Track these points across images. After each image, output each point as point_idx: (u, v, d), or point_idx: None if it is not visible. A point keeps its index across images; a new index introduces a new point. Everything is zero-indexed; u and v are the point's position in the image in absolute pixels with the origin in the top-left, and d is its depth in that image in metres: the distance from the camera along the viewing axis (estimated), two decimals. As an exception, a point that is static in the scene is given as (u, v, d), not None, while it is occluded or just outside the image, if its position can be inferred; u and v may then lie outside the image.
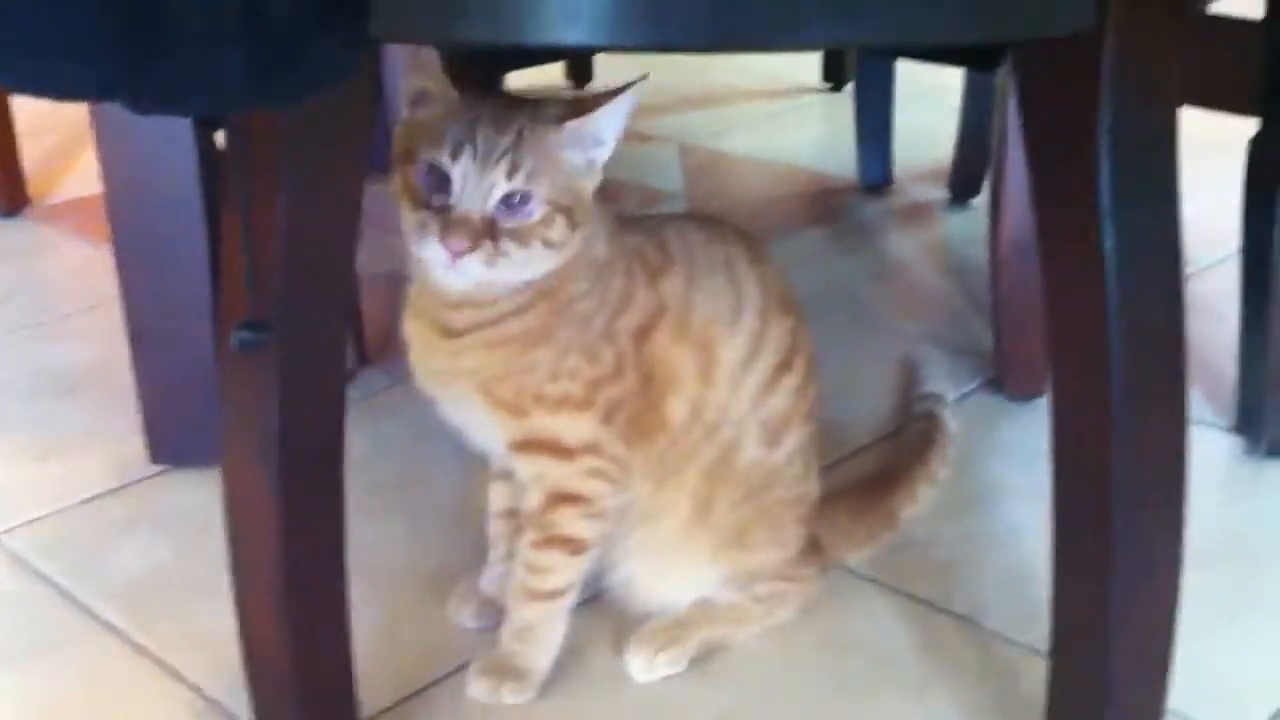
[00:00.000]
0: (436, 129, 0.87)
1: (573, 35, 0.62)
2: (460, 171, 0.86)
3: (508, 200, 0.86)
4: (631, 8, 0.61)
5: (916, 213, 1.98)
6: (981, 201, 1.97)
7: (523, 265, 0.88)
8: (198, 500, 1.24)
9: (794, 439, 1.03)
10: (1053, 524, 0.81)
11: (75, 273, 1.80)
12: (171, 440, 1.30)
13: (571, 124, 0.88)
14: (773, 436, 1.01)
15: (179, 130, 1.19)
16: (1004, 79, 1.37)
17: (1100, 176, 0.72)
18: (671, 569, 1.04)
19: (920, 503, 1.19)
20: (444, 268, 0.87)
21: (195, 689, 1.01)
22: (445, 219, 0.85)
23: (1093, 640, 0.81)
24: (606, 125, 0.89)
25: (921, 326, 1.58)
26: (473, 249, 0.85)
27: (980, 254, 1.77)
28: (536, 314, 0.91)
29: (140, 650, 1.05)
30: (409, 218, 0.88)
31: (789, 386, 1.01)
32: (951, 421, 1.28)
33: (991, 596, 1.10)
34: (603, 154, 0.90)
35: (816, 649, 1.05)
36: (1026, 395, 1.41)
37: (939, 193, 2.02)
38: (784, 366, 1.01)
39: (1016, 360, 1.41)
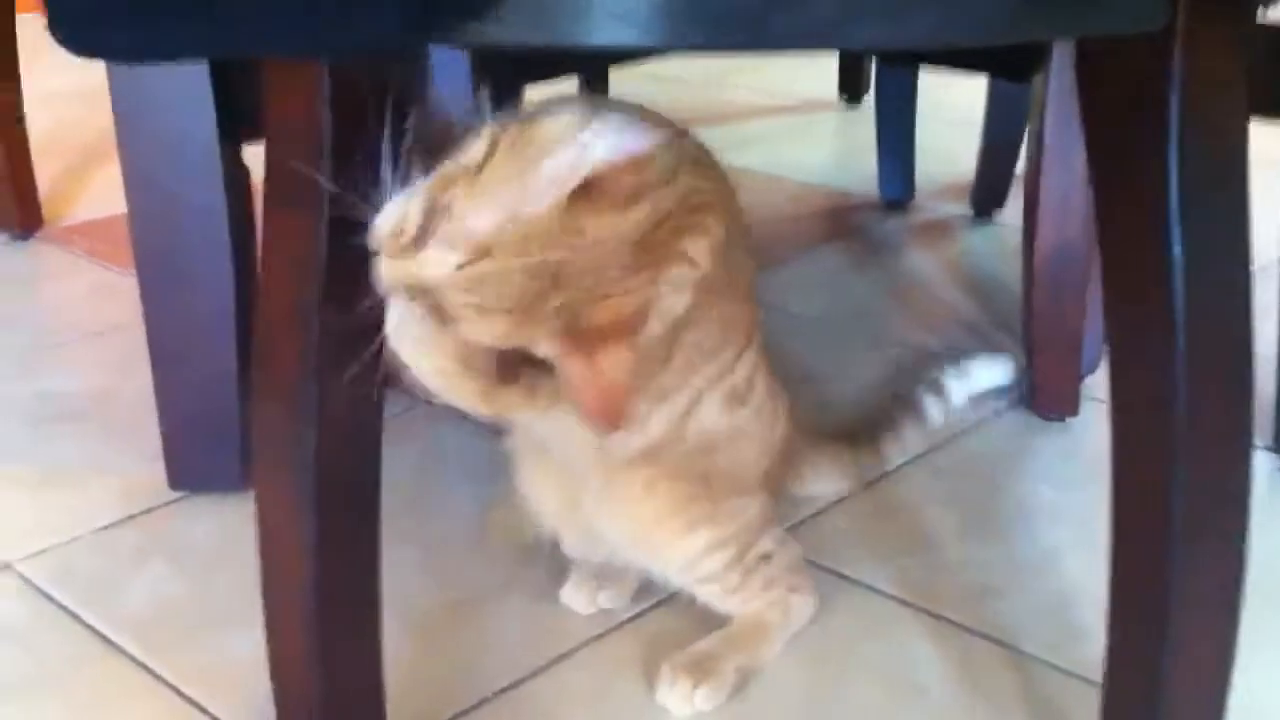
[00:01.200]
0: None
1: (625, 36, 0.60)
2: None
3: None
4: (683, 8, 0.59)
5: (938, 228, 1.96)
6: (1005, 217, 1.95)
7: None
8: (215, 528, 1.22)
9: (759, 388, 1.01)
10: (1110, 548, 0.78)
11: (85, 297, 1.78)
12: (191, 465, 1.28)
13: None
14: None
15: (204, 149, 1.17)
16: (1040, 88, 1.35)
17: (1169, 180, 0.69)
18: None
19: (904, 447, 1.24)
20: None
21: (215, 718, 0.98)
22: None
23: (1147, 673, 0.78)
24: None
25: (946, 344, 1.56)
26: None
27: (1005, 270, 1.75)
28: None
29: (159, 680, 1.03)
30: None
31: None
32: (934, 410, 1.28)
33: (1030, 621, 1.08)
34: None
35: (848, 677, 1.02)
36: (1059, 414, 1.39)
37: (960, 208, 2.00)
38: None
39: (1048, 378, 1.39)
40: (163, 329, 1.25)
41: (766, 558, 1.03)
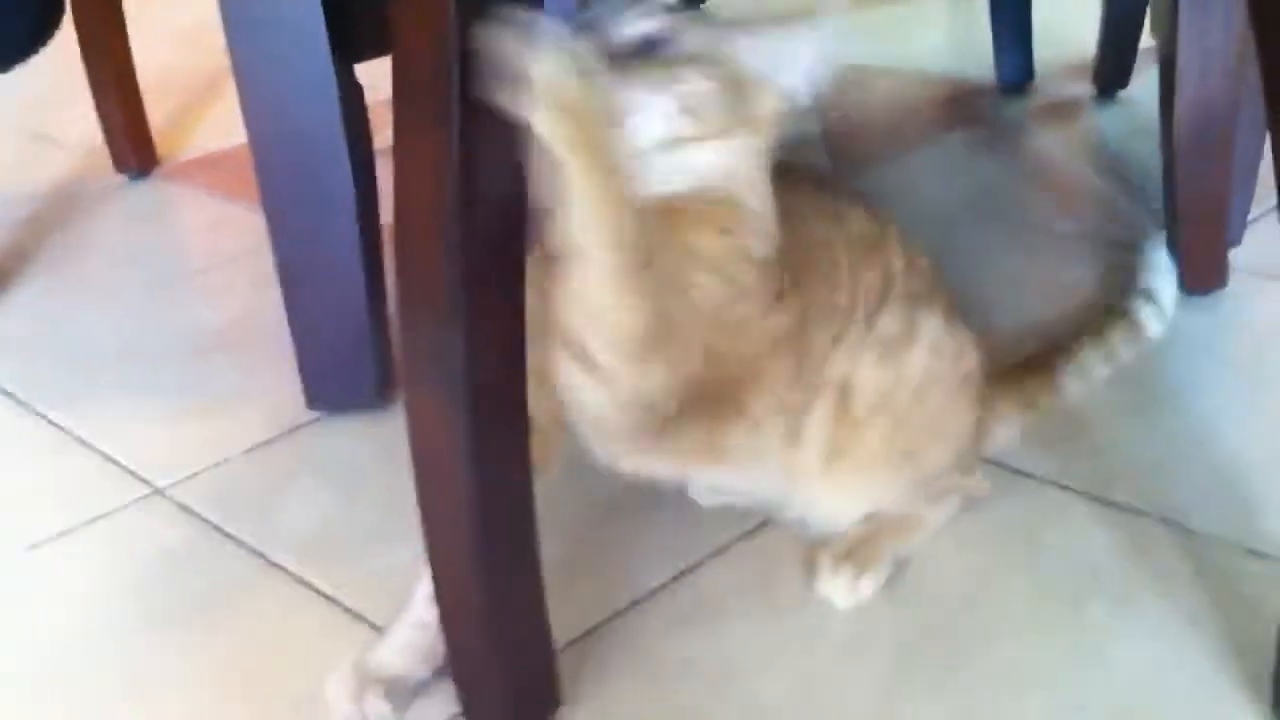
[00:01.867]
0: None
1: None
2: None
3: None
4: None
5: (1062, 110, 1.90)
6: (1130, 94, 1.89)
7: None
8: (358, 446, 1.23)
9: (927, 329, 0.97)
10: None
11: (207, 230, 1.80)
12: (327, 386, 1.28)
13: None
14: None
15: (319, 70, 1.16)
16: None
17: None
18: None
19: (1089, 371, 1.13)
20: None
21: (377, 628, 0.99)
22: None
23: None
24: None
25: (1082, 226, 1.51)
26: None
27: (1136, 148, 1.70)
28: None
29: (320, 595, 1.03)
30: None
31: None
32: (1152, 321, 1.19)
33: (1195, 498, 1.04)
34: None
35: (1012, 561, 1.00)
36: (1205, 289, 1.34)
37: (1083, 88, 1.94)
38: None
39: (1194, 253, 1.34)
40: (290, 252, 1.25)
41: (951, 490, 1.02)
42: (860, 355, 0.95)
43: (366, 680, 0.89)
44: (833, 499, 1.00)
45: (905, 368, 0.96)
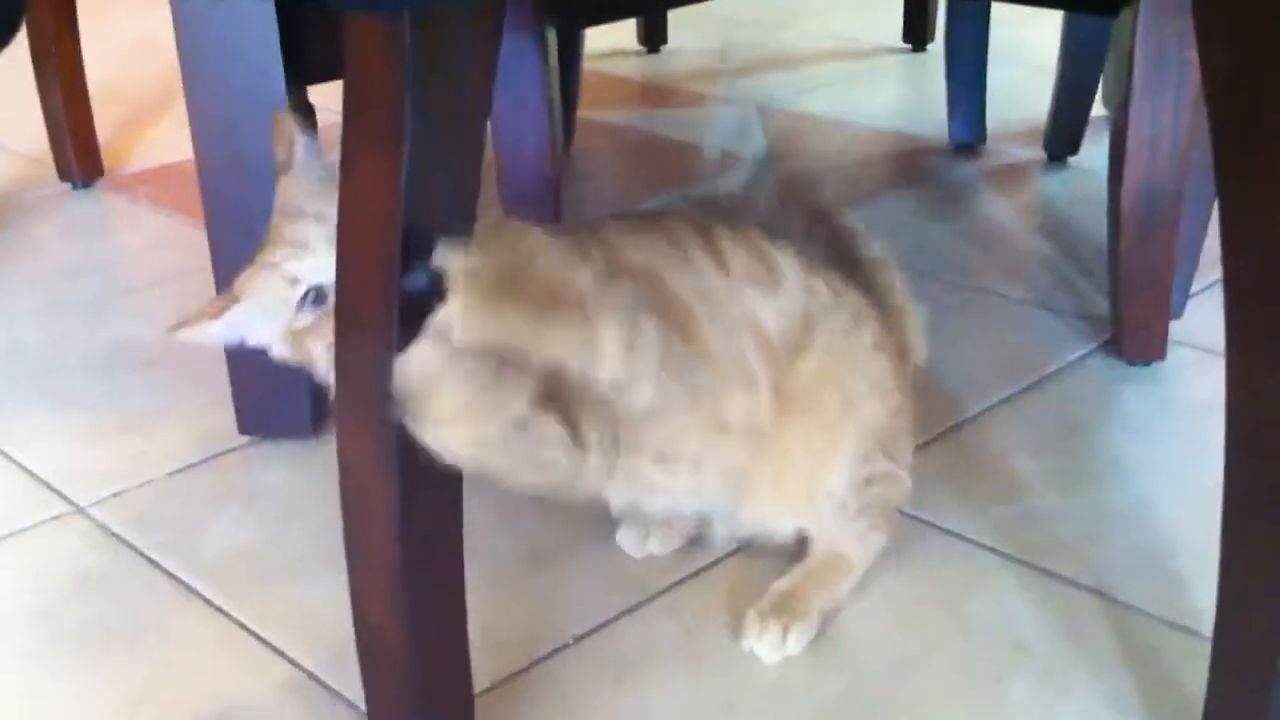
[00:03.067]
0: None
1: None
2: None
3: None
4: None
5: (1011, 173, 1.91)
6: (1080, 161, 1.91)
7: None
8: (287, 473, 1.21)
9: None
10: (1224, 495, 0.75)
11: (150, 245, 1.77)
12: (260, 411, 1.26)
13: None
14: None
15: (271, 91, 1.15)
16: (1129, 22, 1.30)
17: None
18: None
19: None
20: None
21: (295, 664, 0.97)
22: None
23: (1263, 622, 0.75)
24: None
25: (1027, 290, 1.52)
26: None
27: (1083, 214, 1.71)
28: None
29: (239, 625, 1.01)
30: None
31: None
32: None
33: (1127, 571, 1.04)
34: None
35: (940, 628, 0.99)
36: (1146, 359, 1.35)
37: (1033, 153, 1.95)
38: None
39: (1136, 322, 1.35)
40: (231, 273, 1.23)
41: (870, 482, 1.00)
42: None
43: None
44: (772, 485, 0.99)
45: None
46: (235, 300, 0.96)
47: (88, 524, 1.14)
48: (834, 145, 2.07)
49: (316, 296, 0.93)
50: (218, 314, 0.96)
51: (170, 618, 1.03)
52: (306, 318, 0.94)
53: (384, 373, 0.77)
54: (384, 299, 0.77)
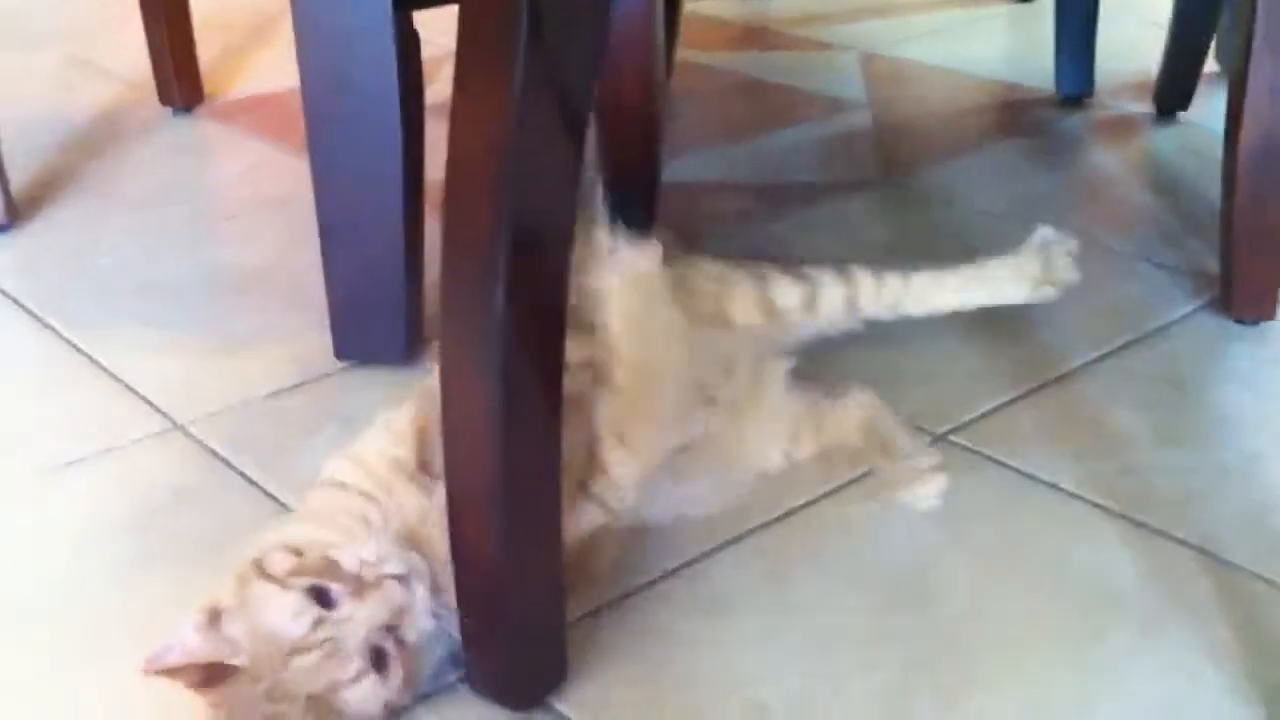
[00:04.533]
0: None
1: None
2: None
3: None
4: None
5: (1119, 126, 1.87)
6: (1190, 116, 1.86)
7: None
8: (383, 399, 1.19)
9: None
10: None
11: (247, 172, 1.78)
12: (357, 337, 1.27)
13: None
14: None
15: (378, 16, 1.15)
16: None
17: None
18: None
19: None
20: None
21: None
22: None
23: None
24: None
25: (1134, 244, 1.49)
26: None
27: (1193, 170, 1.67)
28: None
29: (332, 547, 1.02)
30: None
31: None
32: None
33: (1231, 530, 1.02)
34: None
35: (1036, 579, 0.98)
36: (1255, 318, 1.31)
37: (1142, 107, 1.91)
38: None
39: (1247, 280, 1.31)
40: (332, 199, 1.24)
41: None
42: None
43: None
44: None
45: None
46: None
47: (186, 441, 1.16)
48: (938, 93, 2.04)
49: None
50: None
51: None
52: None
53: (490, 300, 0.76)
54: (492, 225, 0.76)
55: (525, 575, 0.83)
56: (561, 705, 0.86)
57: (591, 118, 0.82)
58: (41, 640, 0.94)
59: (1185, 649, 0.90)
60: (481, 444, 0.80)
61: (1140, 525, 1.03)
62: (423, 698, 0.86)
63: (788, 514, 1.05)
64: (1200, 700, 0.86)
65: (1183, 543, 1.01)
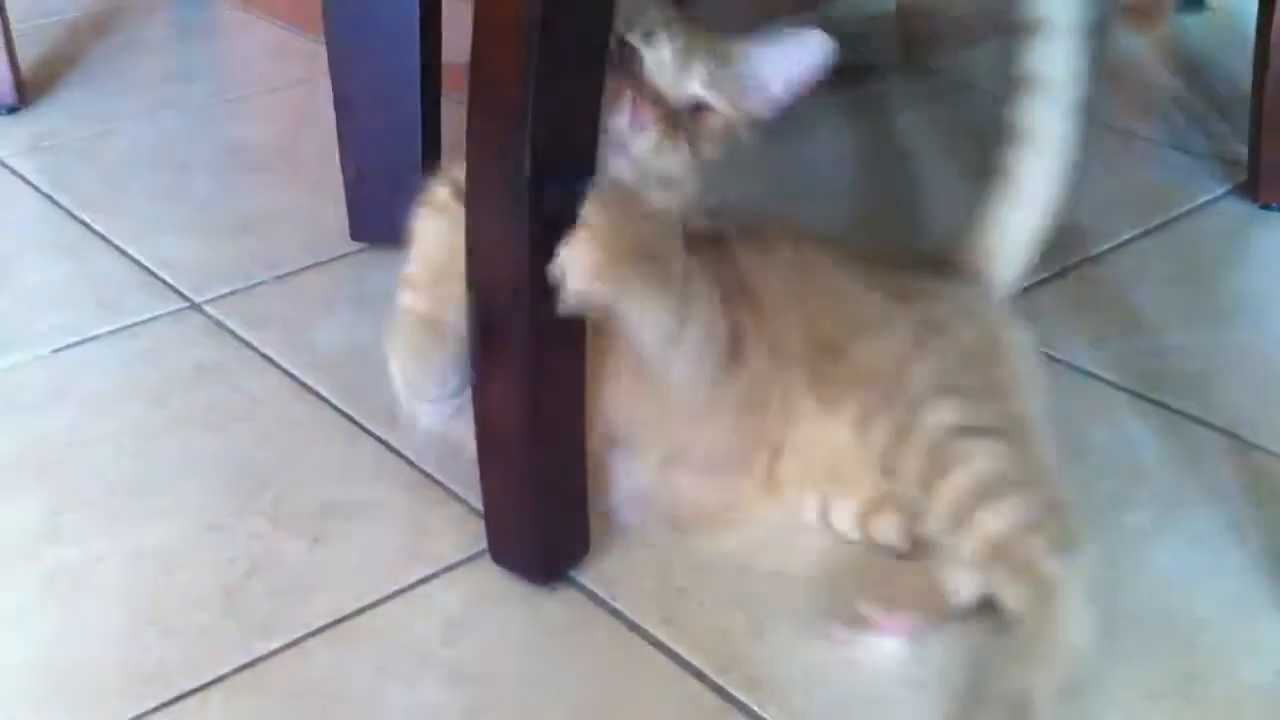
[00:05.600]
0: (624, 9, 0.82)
1: None
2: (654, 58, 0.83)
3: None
4: None
5: (1146, 12, 1.83)
6: (1217, 2, 1.82)
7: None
8: (397, 280, 1.20)
9: None
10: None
11: (262, 53, 1.76)
12: (372, 218, 1.26)
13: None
14: None
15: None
16: None
17: None
18: None
19: None
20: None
21: (407, 460, 0.97)
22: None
23: None
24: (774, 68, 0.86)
25: (1160, 129, 1.47)
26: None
27: (1219, 56, 1.64)
28: None
29: (350, 420, 1.02)
30: None
31: None
32: None
33: (1250, 408, 1.01)
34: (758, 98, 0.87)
35: (1059, 456, 0.97)
36: (1281, 204, 1.30)
37: (1170, -10, 1.87)
38: None
39: (1274, 165, 1.30)
40: (348, 78, 1.22)
41: None
42: None
43: None
44: None
45: None
46: None
47: (202, 319, 1.15)
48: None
49: None
50: None
51: (279, 405, 1.04)
52: None
53: (514, 138, 0.75)
54: (516, 78, 0.75)
55: (551, 441, 0.83)
56: (583, 578, 0.87)
57: None
58: (55, 497, 0.93)
59: (1206, 522, 0.90)
60: (509, 306, 0.79)
61: (1161, 405, 1.02)
62: (445, 569, 0.86)
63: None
64: (1223, 575, 0.86)
65: (1204, 422, 1.00)
